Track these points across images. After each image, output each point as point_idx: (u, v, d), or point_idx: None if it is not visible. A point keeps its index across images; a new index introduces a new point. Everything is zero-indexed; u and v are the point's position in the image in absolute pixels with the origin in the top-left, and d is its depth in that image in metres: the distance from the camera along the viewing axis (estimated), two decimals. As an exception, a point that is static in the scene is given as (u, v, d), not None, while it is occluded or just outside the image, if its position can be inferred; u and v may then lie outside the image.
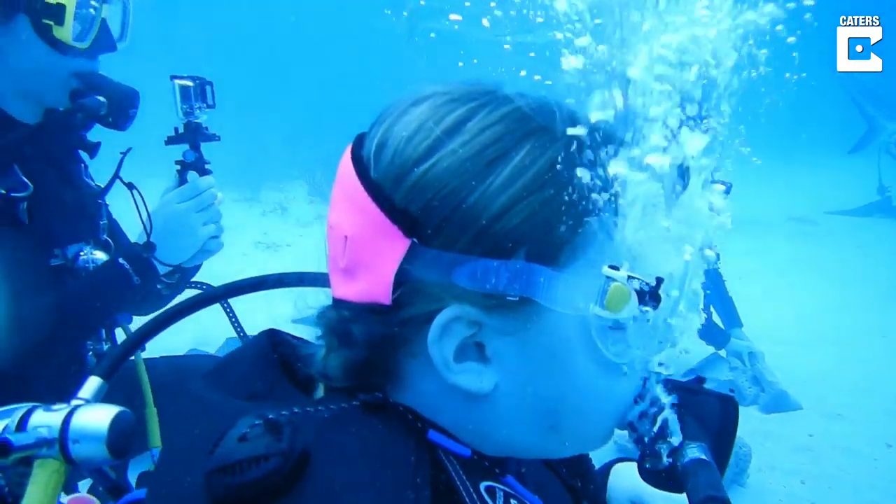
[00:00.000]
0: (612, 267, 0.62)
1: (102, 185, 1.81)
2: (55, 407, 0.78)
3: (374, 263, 0.63)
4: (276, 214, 8.88)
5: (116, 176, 1.75)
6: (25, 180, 1.51)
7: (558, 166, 0.62)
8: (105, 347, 1.79)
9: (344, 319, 0.67)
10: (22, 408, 0.79)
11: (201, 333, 4.04)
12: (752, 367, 4.01)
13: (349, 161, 0.68)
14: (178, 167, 1.75)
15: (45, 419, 0.77)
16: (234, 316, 1.83)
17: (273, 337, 0.78)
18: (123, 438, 0.79)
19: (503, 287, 0.60)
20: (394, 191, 0.63)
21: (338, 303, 0.69)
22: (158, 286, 1.79)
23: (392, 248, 0.62)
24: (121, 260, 1.62)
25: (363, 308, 0.65)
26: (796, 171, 11.33)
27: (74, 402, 0.82)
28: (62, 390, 1.66)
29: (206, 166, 1.76)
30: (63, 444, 0.75)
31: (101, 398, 0.93)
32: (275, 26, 18.33)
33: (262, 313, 4.81)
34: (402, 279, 0.62)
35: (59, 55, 1.52)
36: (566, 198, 0.61)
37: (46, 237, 1.61)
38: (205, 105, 1.70)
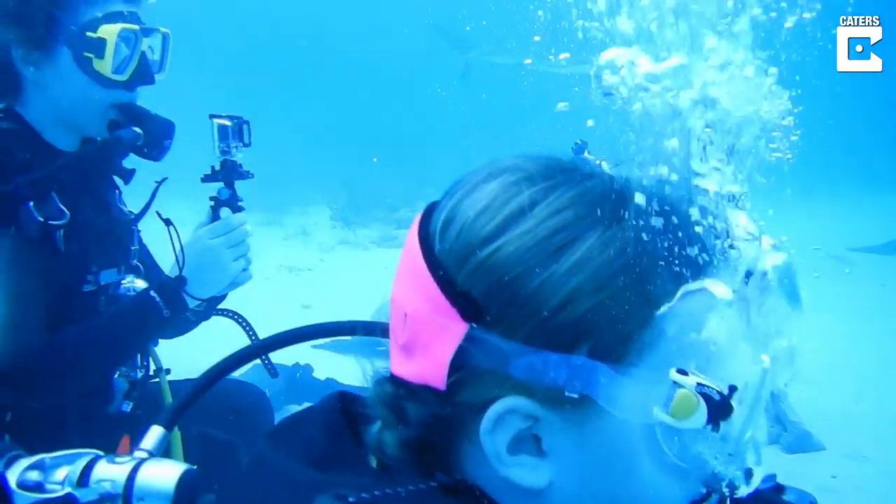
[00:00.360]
0: (680, 371, 0.57)
1: (135, 211, 1.85)
2: (119, 459, 0.77)
3: (431, 346, 0.61)
4: (299, 239, 8.95)
5: (150, 204, 1.81)
6: (63, 208, 1.55)
7: (629, 257, 0.59)
8: (139, 374, 1.81)
9: (399, 397, 0.65)
10: (84, 456, 0.77)
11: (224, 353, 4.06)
12: (775, 406, 3.95)
13: (416, 232, 0.66)
14: (212, 203, 1.78)
15: (109, 472, 0.76)
16: (257, 338, 1.84)
17: (343, 400, 0.77)
18: (190, 497, 0.77)
19: (562, 383, 0.57)
20: (456, 271, 0.61)
21: (395, 378, 0.67)
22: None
23: (450, 331, 0.60)
24: (152, 292, 1.64)
25: (418, 388, 0.63)
26: (818, 205, 11.24)
27: (138, 455, 0.81)
28: (92, 416, 1.69)
29: (240, 203, 1.79)
30: (127, 501, 0.74)
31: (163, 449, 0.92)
32: (302, 49, 18.60)
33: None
34: (458, 364, 0.60)
35: (99, 87, 1.58)
36: (635, 292, 0.58)
37: (81, 263, 1.64)
38: (241, 144, 1.73)
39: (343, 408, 0.75)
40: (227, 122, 1.70)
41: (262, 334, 2.09)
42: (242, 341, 2.12)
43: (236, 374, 3.53)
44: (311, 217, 9.99)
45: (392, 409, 0.66)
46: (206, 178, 1.75)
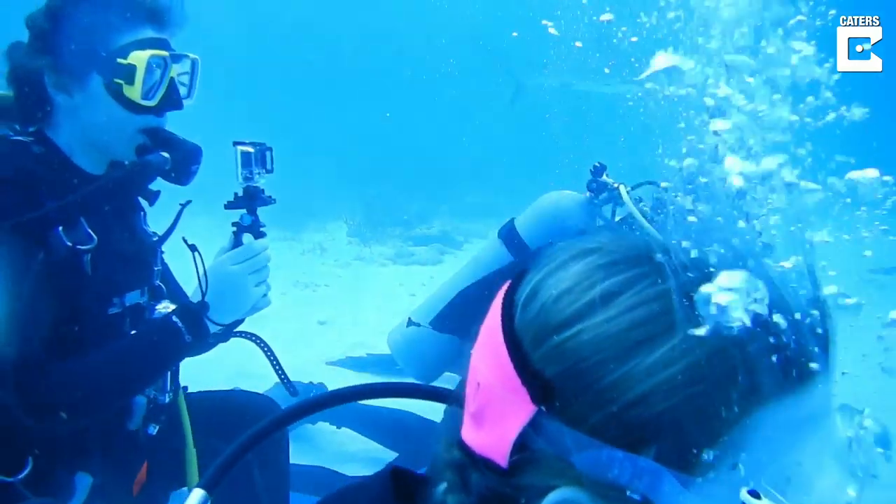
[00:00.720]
0: (752, 493, 0.53)
1: (158, 232, 1.87)
2: None
3: (498, 422, 0.59)
4: (315, 254, 8.98)
5: (174, 226, 1.82)
6: (91, 232, 1.56)
7: (713, 364, 0.55)
8: (167, 398, 1.81)
9: (465, 464, 0.64)
10: None
11: (240, 367, 4.07)
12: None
13: (501, 298, 0.64)
14: (234, 229, 1.79)
15: None
16: (276, 359, 1.85)
17: (396, 477, 0.75)
18: None
19: (625, 482, 0.54)
20: (532, 349, 0.59)
21: (463, 444, 0.65)
22: None
23: (517, 410, 0.58)
24: (174, 317, 1.64)
25: (482, 460, 0.61)
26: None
27: None
28: (113, 435, 1.69)
29: (261, 229, 1.79)
30: None
31: None
32: (317, 65, 18.73)
33: (294, 356, 4.86)
34: (521, 444, 0.58)
35: (128, 112, 1.59)
36: (714, 400, 0.54)
37: (107, 286, 1.65)
38: (264, 170, 1.74)
39: (395, 485, 0.73)
40: (251, 149, 1.71)
41: (279, 351, 2.09)
42: (259, 359, 2.13)
43: (262, 390, 3.54)
44: (328, 233, 10.03)
45: (458, 474, 0.65)
46: (230, 206, 1.76)
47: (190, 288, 1.83)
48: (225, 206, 1.76)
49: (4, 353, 1.37)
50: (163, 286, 1.87)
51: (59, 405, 1.43)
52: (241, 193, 1.75)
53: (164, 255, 1.95)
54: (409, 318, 2.73)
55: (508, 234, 2.67)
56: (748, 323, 0.55)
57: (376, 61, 19.02)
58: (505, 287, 0.66)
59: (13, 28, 1.63)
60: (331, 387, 4.05)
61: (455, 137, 16.37)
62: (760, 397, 0.55)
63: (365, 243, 9.56)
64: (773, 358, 0.56)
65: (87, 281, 1.56)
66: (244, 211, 1.77)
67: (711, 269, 0.59)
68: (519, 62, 12.78)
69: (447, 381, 2.95)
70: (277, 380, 3.62)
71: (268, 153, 1.75)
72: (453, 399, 0.69)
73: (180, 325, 1.62)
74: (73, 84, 1.58)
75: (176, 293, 1.96)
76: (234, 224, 1.79)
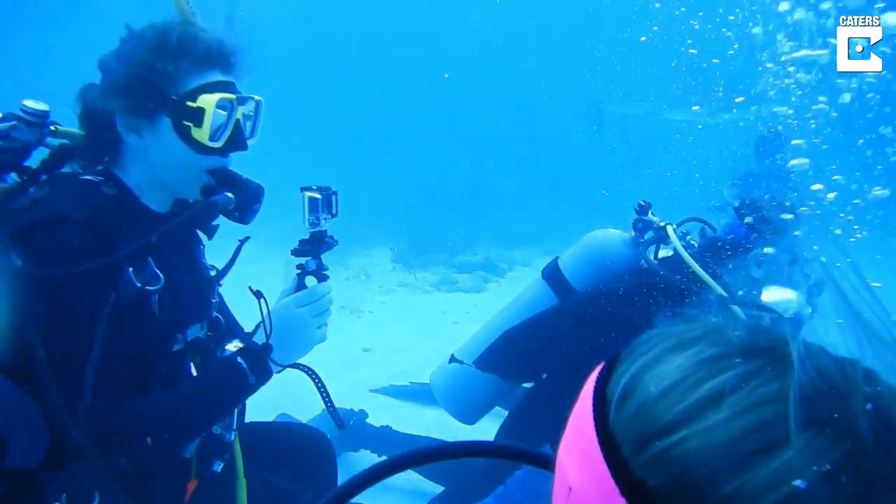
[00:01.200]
0: None
1: (216, 266, 1.91)
2: None
3: None
4: (360, 280, 9.04)
5: (233, 262, 1.86)
6: (158, 272, 1.60)
7: (843, 479, 0.47)
8: (232, 436, 1.84)
9: None
10: None
11: (285, 391, 4.12)
12: None
13: (591, 391, 0.59)
14: (299, 272, 1.81)
15: None
16: (327, 393, 1.88)
17: None
18: None
19: None
20: (631, 455, 0.53)
21: None
22: None
23: None
24: (239, 359, 1.66)
25: None
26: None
27: None
28: (170, 469, 1.72)
29: (325, 272, 1.82)
30: None
31: None
32: (372, 92, 18.95)
33: (338, 382, 4.90)
34: None
35: (195, 153, 1.64)
36: None
37: (173, 324, 1.69)
38: (329, 215, 1.77)
39: None
40: (318, 195, 1.74)
41: (323, 377, 2.11)
42: (303, 384, 2.15)
43: (305, 419, 3.58)
44: (373, 259, 10.10)
45: None
46: (296, 252, 1.78)
47: (249, 327, 1.86)
48: (292, 252, 1.78)
49: (79, 393, 1.40)
50: (220, 317, 1.90)
51: (130, 445, 1.46)
52: (307, 238, 1.78)
53: (221, 287, 1.99)
54: (452, 355, 2.73)
55: (553, 275, 2.64)
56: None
57: (422, 90, 19.19)
58: (593, 377, 0.61)
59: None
60: (373, 414, 4.07)
61: (499, 164, 16.42)
62: None
63: (409, 270, 9.60)
64: None
65: (154, 320, 1.60)
66: (309, 256, 1.80)
67: (849, 372, 0.52)
68: (599, 90, 12.83)
69: (492, 419, 2.95)
70: (323, 408, 3.68)
71: (333, 198, 1.78)
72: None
73: (245, 366, 1.64)
74: (143, 125, 1.62)
75: (233, 325, 2.00)
76: (298, 267, 1.81)
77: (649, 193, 2.91)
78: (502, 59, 18.84)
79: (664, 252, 2.47)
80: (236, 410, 1.87)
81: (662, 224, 2.43)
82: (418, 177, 15.26)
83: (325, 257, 1.84)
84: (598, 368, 0.62)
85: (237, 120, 1.69)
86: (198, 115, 1.59)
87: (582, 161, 16.27)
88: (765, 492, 0.47)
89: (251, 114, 1.79)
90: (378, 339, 6.35)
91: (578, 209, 14.17)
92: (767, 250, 2.25)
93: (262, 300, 1.71)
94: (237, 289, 1.99)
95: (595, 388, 0.59)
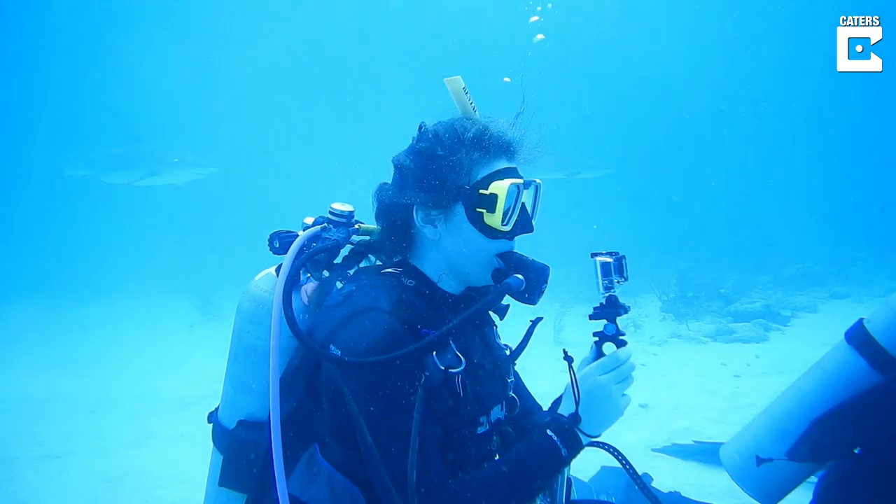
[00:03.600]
0: None
1: (510, 345, 1.97)
2: None
3: None
4: (629, 331, 8.89)
5: (527, 341, 1.92)
6: (459, 355, 1.68)
7: None
8: None
9: None
10: None
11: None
12: None
13: None
14: (596, 339, 1.82)
15: None
16: (634, 470, 1.87)
17: None
18: None
19: None
20: None
21: None
22: None
23: None
24: (549, 431, 1.70)
25: None
26: None
27: None
28: None
29: (622, 337, 1.81)
30: None
31: None
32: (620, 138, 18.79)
33: (617, 441, 4.79)
34: None
35: (486, 238, 1.72)
36: None
37: (477, 406, 1.74)
38: (622, 278, 1.78)
39: None
40: (609, 259, 1.77)
41: (605, 438, 2.07)
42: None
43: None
44: (641, 308, 9.90)
45: None
46: (594, 316, 1.80)
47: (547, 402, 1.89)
48: (590, 316, 1.81)
49: (406, 473, 1.49)
50: (516, 398, 1.93)
51: None
52: (603, 303, 1.80)
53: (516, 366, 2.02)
54: (758, 457, 2.50)
55: (862, 340, 2.32)
56: None
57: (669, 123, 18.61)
58: None
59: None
60: (656, 475, 3.97)
61: (766, 201, 15.35)
62: None
63: (680, 319, 9.27)
64: None
65: (460, 402, 1.67)
66: (606, 321, 1.80)
67: None
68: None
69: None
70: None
71: (623, 261, 1.80)
72: None
73: (556, 439, 1.69)
74: (438, 216, 1.73)
75: (530, 405, 2.04)
76: (595, 334, 1.82)
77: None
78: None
79: None
80: (567, 486, 1.89)
81: None
82: (681, 219, 14.77)
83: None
84: None
85: (523, 203, 1.77)
86: (490, 202, 1.68)
87: (871, 184, 14.74)
88: None
89: (532, 196, 1.87)
90: (654, 394, 6.19)
91: (869, 245, 12.77)
92: None
93: (571, 366, 1.74)
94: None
95: None
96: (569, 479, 1.91)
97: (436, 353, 1.64)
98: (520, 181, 1.75)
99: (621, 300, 1.82)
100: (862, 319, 2.44)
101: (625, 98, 20.12)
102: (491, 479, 1.64)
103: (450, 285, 1.82)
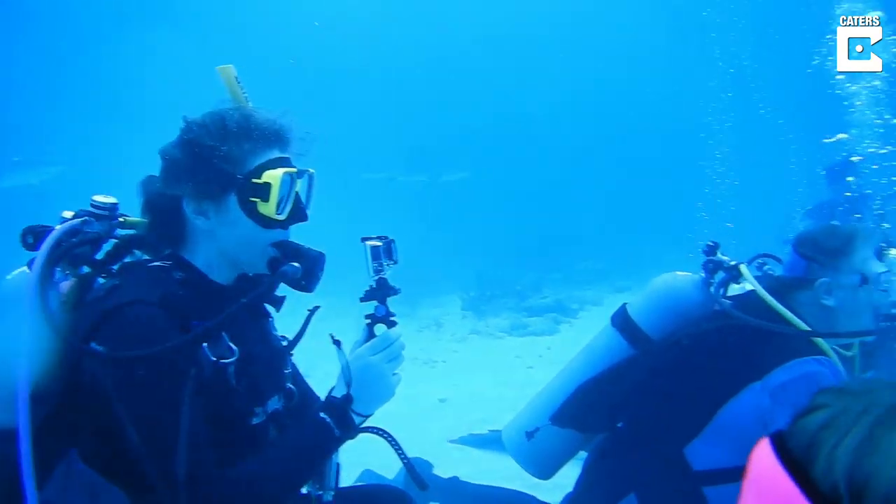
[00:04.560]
0: None
1: (287, 336, 1.95)
2: None
3: None
4: (432, 330, 9.11)
5: (304, 331, 1.91)
6: (232, 346, 1.64)
7: None
8: (330, 496, 1.86)
9: None
10: None
11: (368, 451, 4.15)
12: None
13: (797, 498, 0.56)
14: (368, 321, 1.84)
15: None
16: (404, 454, 1.89)
17: None
18: None
19: None
20: None
21: None
22: None
23: None
24: (322, 414, 1.69)
25: None
26: None
27: None
28: None
29: (393, 318, 1.85)
30: None
31: None
32: (430, 138, 19.16)
33: (416, 435, 4.90)
34: None
35: (261, 228, 1.69)
36: None
37: (251, 396, 1.71)
38: (391, 261, 1.82)
39: None
40: (378, 243, 1.80)
41: (400, 431, 2.12)
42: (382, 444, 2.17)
43: (389, 476, 3.58)
44: (443, 308, 10.18)
45: None
46: (365, 298, 1.83)
47: (328, 386, 1.89)
48: (360, 299, 1.83)
49: (175, 469, 1.44)
50: (293, 388, 1.92)
51: None
52: (374, 286, 1.82)
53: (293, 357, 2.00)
54: (527, 432, 2.65)
55: (623, 322, 2.57)
56: None
57: (471, 129, 19.28)
58: (778, 476, 0.58)
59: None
60: (453, 465, 4.07)
61: (562, 204, 16.40)
62: None
63: (480, 316, 9.63)
64: None
65: (233, 393, 1.63)
66: (376, 303, 1.83)
67: None
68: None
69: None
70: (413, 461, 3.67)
71: (392, 245, 1.84)
72: None
73: (329, 420, 1.67)
74: (210, 207, 1.68)
75: (307, 394, 2.03)
76: (367, 316, 1.84)
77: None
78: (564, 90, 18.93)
79: (732, 291, 2.41)
80: (335, 470, 1.89)
81: (733, 263, 2.39)
82: (482, 222, 15.36)
83: (395, 307, 1.87)
84: (775, 465, 0.58)
85: (297, 193, 1.76)
86: (264, 191, 1.66)
87: (647, 192, 16.15)
88: None
89: (306, 186, 1.85)
90: (453, 388, 6.38)
91: (649, 244, 13.99)
92: (825, 280, 2.20)
93: (340, 350, 1.74)
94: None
95: (805, 491, 0.56)
96: (337, 465, 1.92)
97: (207, 345, 1.58)
98: (293, 170, 1.73)
99: (391, 283, 1.83)
100: (625, 304, 2.68)
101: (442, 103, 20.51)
102: (264, 465, 1.61)
103: (222, 276, 1.77)
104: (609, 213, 15.99)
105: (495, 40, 20.39)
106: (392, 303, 1.91)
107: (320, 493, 1.85)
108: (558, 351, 7.71)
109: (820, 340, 2.11)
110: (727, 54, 11.36)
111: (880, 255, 2.30)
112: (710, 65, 11.47)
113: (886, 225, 4.94)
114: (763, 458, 0.60)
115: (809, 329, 2.13)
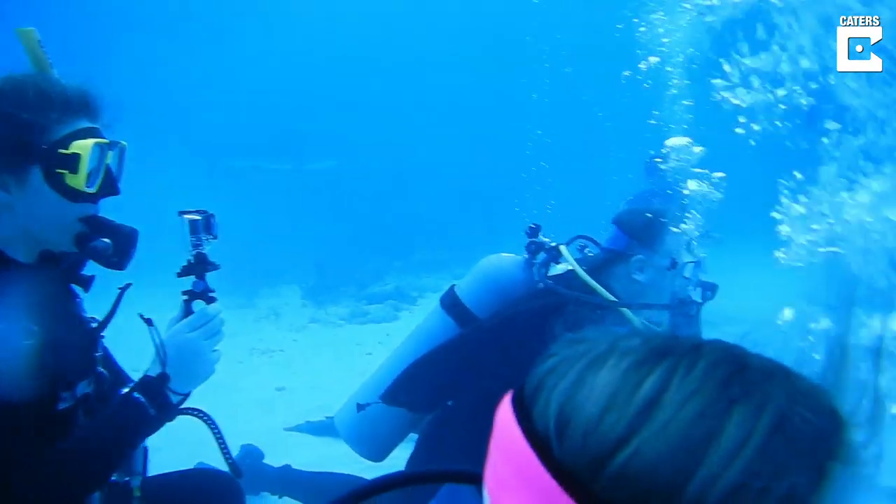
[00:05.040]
0: None
1: (97, 317, 1.85)
2: None
3: None
4: (270, 320, 8.93)
5: (115, 311, 1.81)
6: (34, 328, 1.54)
7: (787, 429, 0.53)
8: (138, 481, 1.80)
9: None
10: None
11: (200, 442, 4.03)
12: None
13: (518, 437, 0.59)
14: (186, 297, 1.80)
15: None
16: (222, 437, 1.86)
17: None
18: None
19: None
20: (592, 479, 0.54)
21: None
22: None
23: None
24: (136, 393, 1.64)
25: None
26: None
27: None
28: None
29: (211, 294, 1.81)
30: None
31: None
32: (272, 123, 18.67)
33: (255, 425, 4.82)
34: None
35: (68, 202, 1.60)
36: (803, 465, 0.52)
37: (57, 381, 1.62)
38: (210, 236, 1.79)
39: None
40: (197, 217, 1.76)
41: (238, 421, 2.12)
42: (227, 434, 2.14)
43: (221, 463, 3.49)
44: (282, 297, 9.99)
45: None
46: (182, 273, 1.79)
47: (147, 365, 1.82)
48: (178, 274, 1.78)
49: None
50: (105, 372, 1.84)
51: (41, 500, 1.43)
52: (192, 261, 1.78)
53: (105, 340, 1.91)
54: (358, 404, 2.71)
55: (451, 302, 2.69)
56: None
57: (326, 116, 19.04)
58: (507, 419, 0.62)
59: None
60: (291, 453, 4.04)
61: (404, 193, 16.56)
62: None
63: (319, 305, 9.54)
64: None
65: (34, 378, 1.53)
66: (194, 278, 1.79)
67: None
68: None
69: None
70: (242, 450, 3.60)
71: (212, 219, 1.80)
72: None
73: (143, 399, 1.63)
74: (11, 182, 1.57)
75: (120, 376, 1.95)
76: (184, 293, 1.80)
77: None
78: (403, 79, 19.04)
79: (554, 270, 2.58)
80: (143, 455, 1.83)
81: (554, 244, 2.56)
82: (322, 210, 15.20)
83: (232, 297, 1.85)
84: (509, 410, 0.62)
85: (108, 165, 1.68)
86: (73, 162, 1.56)
87: (486, 183, 16.63)
88: (724, 469, 0.51)
89: (117, 158, 1.77)
90: (292, 377, 6.30)
91: (487, 235, 14.45)
92: (640, 257, 2.44)
93: (153, 328, 1.69)
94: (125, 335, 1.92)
95: (522, 428, 0.59)
96: (145, 449, 1.88)
97: (1, 328, 1.48)
98: (104, 141, 1.65)
99: (211, 258, 1.81)
100: (453, 285, 2.80)
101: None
102: (77, 447, 1.54)
103: (22, 254, 1.64)
104: (450, 204, 16.32)
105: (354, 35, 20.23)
106: (227, 293, 1.87)
107: (127, 479, 1.79)
108: (397, 337, 7.57)
109: (627, 311, 2.33)
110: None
111: (689, 246, 2.55)
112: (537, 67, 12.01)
113: (691, 213, 5.40)
114: (503, 402, 0.65)
115: (616, 300, 2.35)
